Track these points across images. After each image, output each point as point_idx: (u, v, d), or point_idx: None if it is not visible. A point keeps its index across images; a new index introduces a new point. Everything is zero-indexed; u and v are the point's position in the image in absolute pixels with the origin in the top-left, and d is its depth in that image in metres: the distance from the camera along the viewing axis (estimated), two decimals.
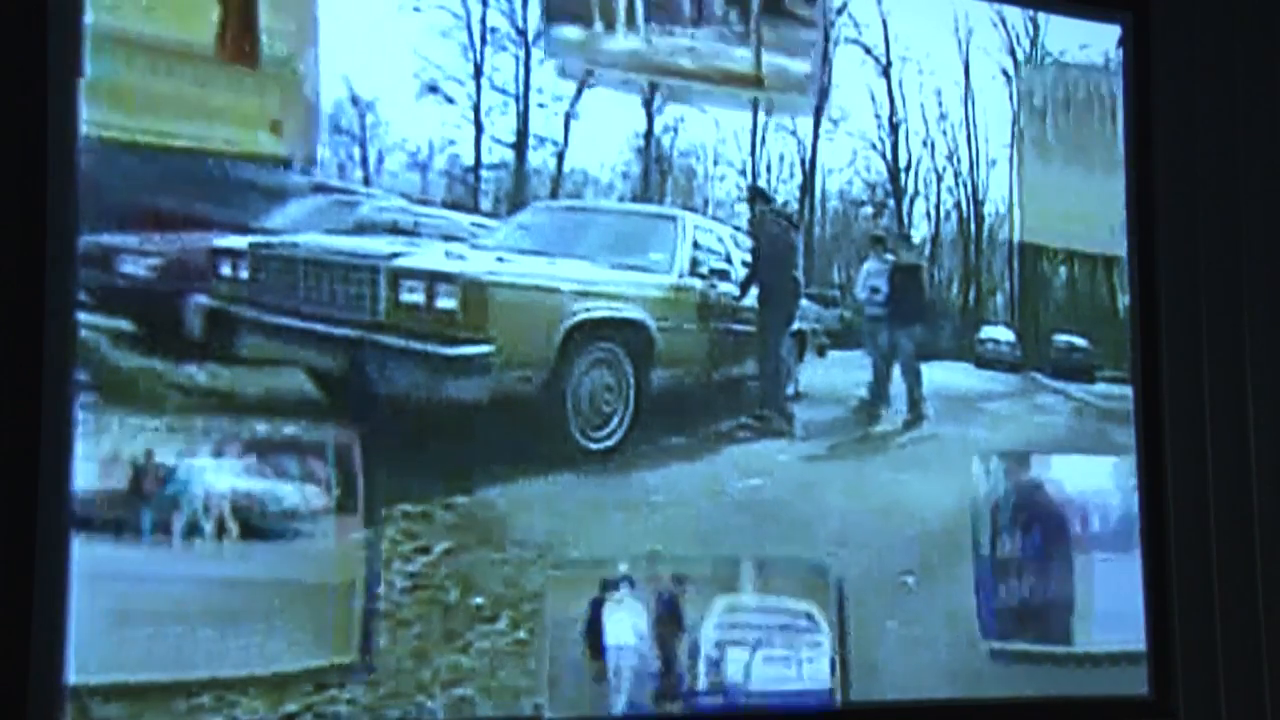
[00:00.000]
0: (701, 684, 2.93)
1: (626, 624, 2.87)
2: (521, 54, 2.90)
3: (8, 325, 2.41)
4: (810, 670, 3.03)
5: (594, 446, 2.90)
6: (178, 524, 2.53)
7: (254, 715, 2.53)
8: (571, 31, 2.94)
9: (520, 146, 2.90)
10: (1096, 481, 3.44)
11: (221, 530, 2.56)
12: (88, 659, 2.42)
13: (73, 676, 2.41)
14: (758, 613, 3.00)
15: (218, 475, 2.57)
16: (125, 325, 2.52)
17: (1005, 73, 3.47)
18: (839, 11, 3.25)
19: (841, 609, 3.08)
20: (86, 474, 2.45)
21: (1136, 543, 3.43)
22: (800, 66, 3.20)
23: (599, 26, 2.97)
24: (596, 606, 2.84)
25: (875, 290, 3.30)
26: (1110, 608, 3.38)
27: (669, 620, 2.91)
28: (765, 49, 3.15)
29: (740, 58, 3.13)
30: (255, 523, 2.58)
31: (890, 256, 3.32)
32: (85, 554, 2.44)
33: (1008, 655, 3.26)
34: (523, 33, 2.90)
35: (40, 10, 2.47)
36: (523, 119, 2.89)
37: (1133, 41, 3.58)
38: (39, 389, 2.42)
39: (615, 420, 2.93)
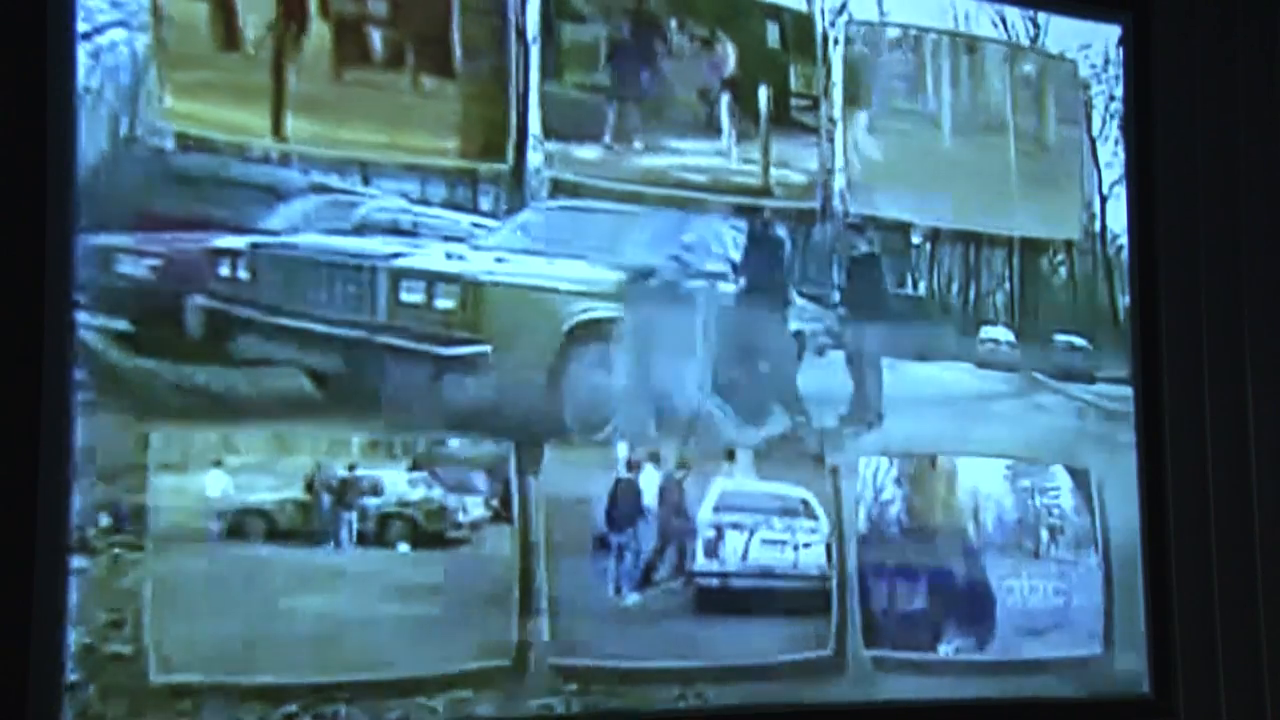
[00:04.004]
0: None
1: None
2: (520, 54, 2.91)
3: (8, 325, 2.42)
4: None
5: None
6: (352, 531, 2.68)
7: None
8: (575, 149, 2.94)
9: (520, 146, 2.90)
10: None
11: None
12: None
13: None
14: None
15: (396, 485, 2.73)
16: (125, 325, 2.52)
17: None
18: (839, 12, 3.26)
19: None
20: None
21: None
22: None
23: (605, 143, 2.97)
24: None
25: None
26: None
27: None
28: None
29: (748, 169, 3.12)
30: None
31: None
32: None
33: None
34: (522, 33, 2.90)
35: (40, 16, 2.47)
36: (522, 119, 2.89)
37: (1133, 41, 3.58)
38: (39, 389, 2.42)
39: (614, 420, 2.93)
